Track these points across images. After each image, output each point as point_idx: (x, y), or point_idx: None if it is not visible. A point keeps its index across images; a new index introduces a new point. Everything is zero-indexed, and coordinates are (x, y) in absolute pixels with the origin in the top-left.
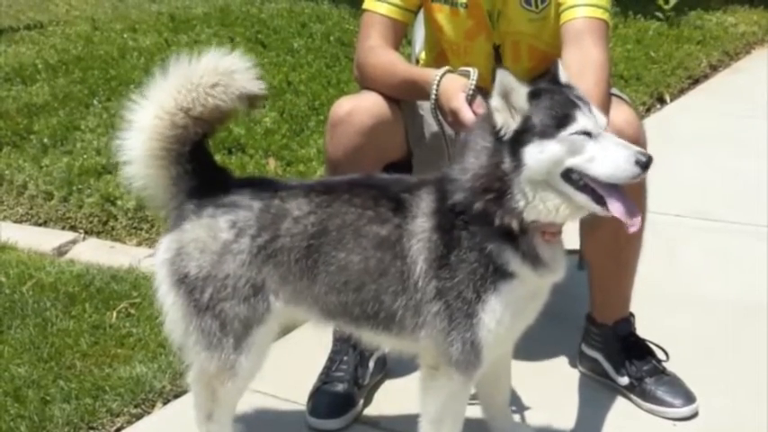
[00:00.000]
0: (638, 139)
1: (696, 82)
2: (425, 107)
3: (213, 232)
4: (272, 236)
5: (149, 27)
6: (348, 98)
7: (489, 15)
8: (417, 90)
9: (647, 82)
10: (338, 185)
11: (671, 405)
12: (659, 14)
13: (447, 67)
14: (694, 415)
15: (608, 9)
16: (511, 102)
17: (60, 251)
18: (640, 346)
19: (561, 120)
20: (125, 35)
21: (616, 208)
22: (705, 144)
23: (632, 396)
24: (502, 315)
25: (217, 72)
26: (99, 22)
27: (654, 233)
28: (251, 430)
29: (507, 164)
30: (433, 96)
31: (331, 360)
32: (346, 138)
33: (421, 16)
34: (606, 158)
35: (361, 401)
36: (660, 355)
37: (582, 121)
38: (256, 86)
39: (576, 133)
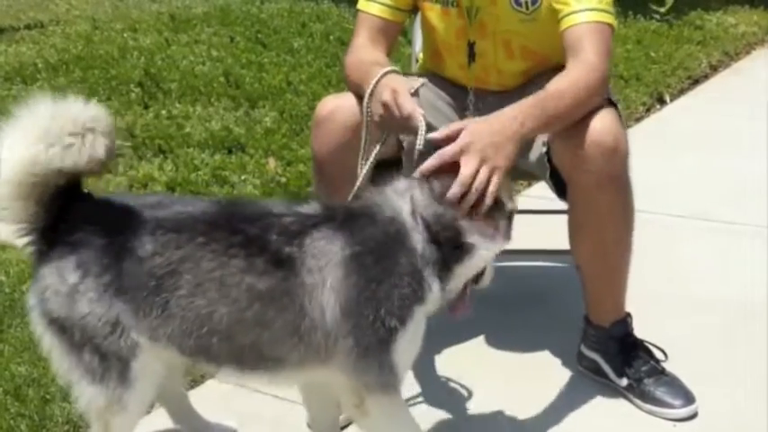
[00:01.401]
0: (616, 149)
1: (696, 82)
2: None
3: (61, 275)
4: (116, 274)
5: (150, 27)
6: (333, 96)
7: (467, 12)
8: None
9: (646, 82)
10: (191, 223)
11: (670, 406)
12: (657, 16)
13: (390, 68)
14: (694, 415)
15: (610, 11)
16: None
17: None
18: (638, 347)
19: None
20: (125, 35)
21: None
22: (705, 144)
23: (632, 397)
24: (414, 336)
25: (73, 131)
26: (99, 21)
27: (653, 233)
28: (251, 430)
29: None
30: (368, 94)
31: None
32: (330, 136)
33: (420, 15)
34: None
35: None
36: (659, 355)
37: None
38: (102, 153)
39: None
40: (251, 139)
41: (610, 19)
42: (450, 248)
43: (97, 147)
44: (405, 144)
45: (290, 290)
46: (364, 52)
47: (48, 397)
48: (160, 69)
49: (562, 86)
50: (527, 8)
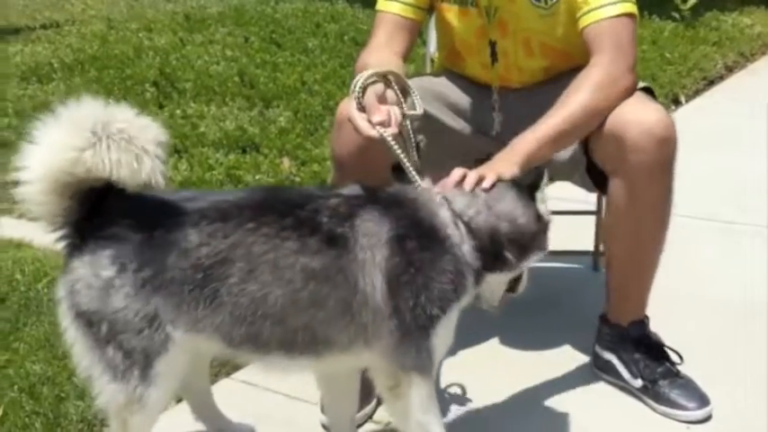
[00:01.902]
0: (669, 140)
1: (711, 83)
2: (435, 105)
3: (95, 269)
4: (157, 269)
5: (164, 26)
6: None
7: (486, 11)
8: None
9: (662, 83)
10: (236, 210)
11: (685, 408)
12: (676, 15)
13: (369, 72)
14: (708, 418)
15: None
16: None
17: None
18: (654, 349)
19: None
20: (140, 34)
21: None
22: (720, 145)
23: (646, 398)
24: (449, 326)
25: (128, 149)
26: (114, 21)
27: (670, 235)
28: (265, 430)
29: (544, 240)
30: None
31: None
32: (350, 138)
33: (435, 15)
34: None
35: (375, 400)
36: (674, 357)
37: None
38: (157, 179)
39: None
40: (265, 138)
41: (630, 8)
42: (490, 257)
43: (150, 170)
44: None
45: (344, 267)
46: (371, 55)
47: (62, 395)
48: (175, 69)
49: (583, 98)
50: (546, 2)
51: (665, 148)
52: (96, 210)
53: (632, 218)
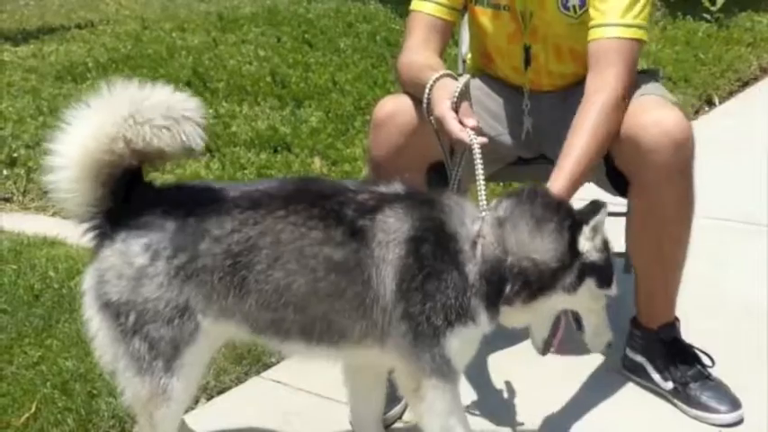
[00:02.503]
0: (686, 142)
1: (746, 84)
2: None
3: (128, 258)
4: (191, 256)
5: (197, 26)
6: (391, 98)
7: (522, 16)
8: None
9: (695, 84)
10: (267, 199)
11: (716, 411)
12: (707, 16)
13: (442, 72)
14: (740, 421)
15: (643, 26)
16: (595, 236)
17: None
18: (685, 351)
19: (607, 280)
20: (174, 34)
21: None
22: (754, 147)
23: (676, 401)
24: (464, 342)
25: (168, 115)
26: (148, 21)
27: (699, 237)
28: (294, 429)
29: (569, 280)
30: (425, 103)
31: None
32: (389, 138)
33: (467, 17)
34: (596, 326)
35: (404, 401)
36: (705, 360)
37: (613, 289)
38: (196, 142)
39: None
40: (296, 138)
41: (640, 34)
42: (492, 286)
43: (191, 135)
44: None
45: (361, 261)
46: (416, 54)
47: (94, 392)
48: (208, 69)
49: (586, 127)
50: (575, 11)
51: (683, 150)
52: (127, 201)
53: (654, 221)
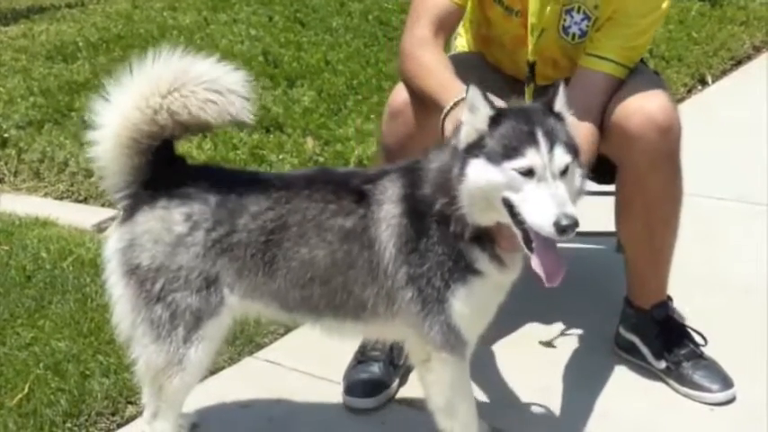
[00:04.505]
0: (671, 126)
1: (739, 63)
2: None
3: (167, 224)
4: (228, 230)
5: (189, 5)
6: (405, 86)
7: (532, 29)
8: (435, 106)
9: (688, 63)
10: (296, 180)
11: (708, 390)
12: None
13: (455, 98)
14: (732, 400)
15: (630, 67)
16: (474, 119)
17: (100, 227)
18: (678, 331)
19: (510, 151)
20: (165, 13)
21: (536, 262)
22: (747, 126)
23: (669, 380)
24: (469, 303)
25: (214, 89)
26: (139, 0)
27: (694, 216)
28: (288, 408)
29: (455, 171)
30: (439, 126)
31: (367, 339)
32: (401, 130)
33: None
34: (532, 207)
35: (397, 381)
36: (698, 339)
37: (529, 158)
38: (246, 116)
39: (517, 170)
40: (289, 118)
41: (624, 74)
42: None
43: (240, 109)
44: None
45: (367, 226)
46: (425, 51)
47: (87, 372)
48: (199, 48)
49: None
50: (573, 39)
51: (668, 136)
52: (163, 174)
53: (642, 205)
